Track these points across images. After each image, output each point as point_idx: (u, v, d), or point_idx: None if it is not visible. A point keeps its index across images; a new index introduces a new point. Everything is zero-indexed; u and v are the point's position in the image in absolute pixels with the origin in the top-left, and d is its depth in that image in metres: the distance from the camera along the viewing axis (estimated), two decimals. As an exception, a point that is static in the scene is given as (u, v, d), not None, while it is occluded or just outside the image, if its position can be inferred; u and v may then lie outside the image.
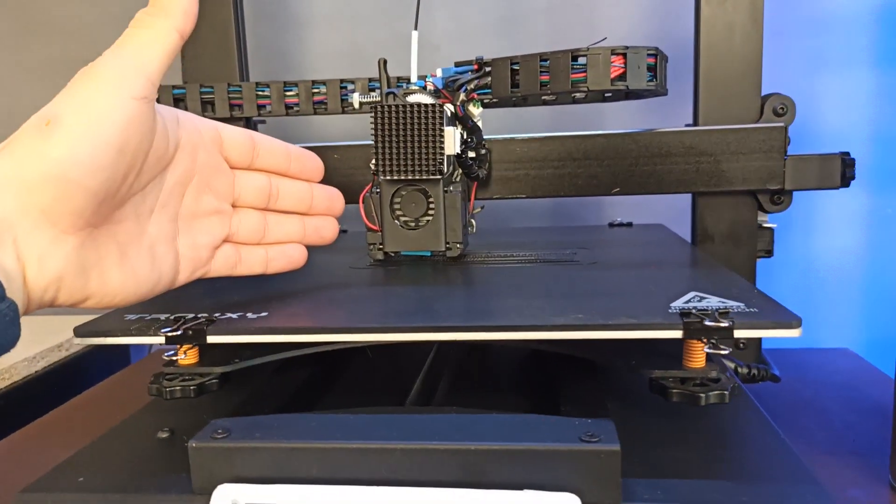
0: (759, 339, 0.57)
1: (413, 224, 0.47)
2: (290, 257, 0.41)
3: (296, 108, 0.59)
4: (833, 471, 0.50)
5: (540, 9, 0.77)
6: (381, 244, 0.48)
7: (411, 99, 0.46)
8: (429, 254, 0.48)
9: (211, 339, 0.35)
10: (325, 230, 0.42)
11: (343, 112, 0.58)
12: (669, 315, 0.33)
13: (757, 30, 0.52)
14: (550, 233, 0.64)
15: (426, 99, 0.46)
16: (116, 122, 0.30)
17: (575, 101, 0.54)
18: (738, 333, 0.32)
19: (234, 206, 0.39)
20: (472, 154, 0.51)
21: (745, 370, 0.52)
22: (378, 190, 0.47)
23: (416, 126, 0.44)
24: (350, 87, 0.58)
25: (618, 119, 0.76)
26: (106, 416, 0.45)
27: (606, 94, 0.53)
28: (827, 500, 0.29)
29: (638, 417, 0.37)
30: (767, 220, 0.56)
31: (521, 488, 0.28)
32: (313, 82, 0.58)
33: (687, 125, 0.56)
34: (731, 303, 0.35)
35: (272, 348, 0.37)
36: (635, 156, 0.53)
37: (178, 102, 0.59)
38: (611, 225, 0.67)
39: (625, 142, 0.53)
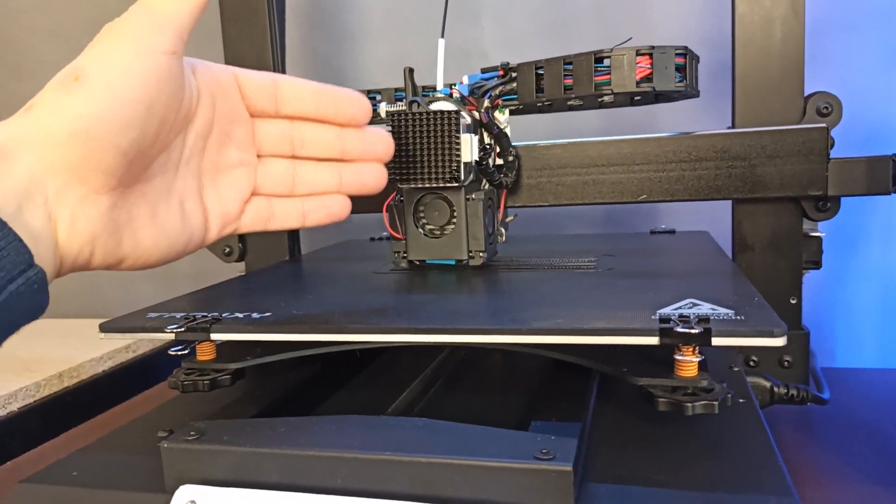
0: (806, 357, 0.52)
1: (438, 232, 0.47)
2: (329, 209, 0.38)
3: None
4: (879, 502, 0.45)
5: (588, 8, 0.75)
6: (405, 252, 0.48)
7: (434, 107, 0.46)
8: (453, 262, 0.48)
9: (215, 336, 0.37)
10: (367, 177, 0.38)
11: (372, 122, 0.59)
12: (650, 321, 0.32)
13: (798, 24, 0.49)
14: (588, 240, 0.62)
15: (449, 106, 0.46)
16: (145, 77, 0.28)
17: (602, 106, 0.52)
18: (716, 341, 0.30)
19: (259, 156, 0.37)
20: (499, 161, 0.51)
21: (783, 390, 0.48)
22: (402, 198, 0.47)
23: (432, 133, 0.44)
24: (378, 97, 0.58)
25: (672, 124, 0.72)
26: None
27: (635, 98, 0.51)
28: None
29: (627, 423, 0.36)
30: (817, 229, 0.52)
31: (469, 504, 0.27)
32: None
33: (728, 128, 0.53)
34: (721, 310, 0.33)
35: (282, 347, 0.38)
36: (663, 161, 0.50)
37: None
38: (652, 232, 0.64)
39: (650, 146, 0.51)
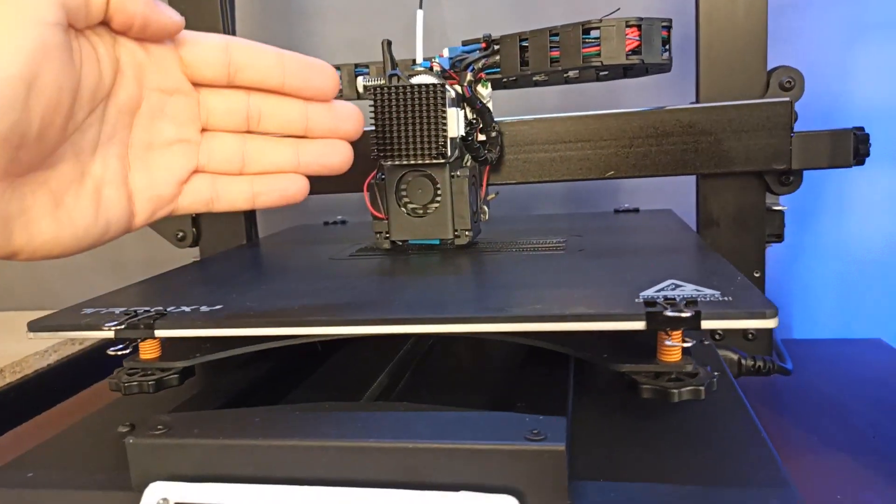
0: (771, 330, 0.53)
1: (421, 211, 0.46)
2: (283, 190, 0.34)
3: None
4: (848, 472, 0.46)
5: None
6: (387, 233, 0.46)
7: (416, 80, 0.44)
8: (437, 242, 0.46)
9: (159, 332, 0.34)
10: (330, 157, 0.35)
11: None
12: (634, 305, 0.31)
13: (761, -2, 0.49)
14: (552, 220, 0.62)
15: (431, 80, 0.44)
16: (21, 51, 0.24)
17: (567, 82, 0.51)
18: (705, 324, 0.29)
19: (204, 130, 0.33)
20: (482, 137, 0.49)
21: (750, 362, 0.49)
22: (383, 176, 0.46)
23: (417, 107, 0.42)
24: (338, 72, 0.56)
25: (631, 101, 0.72)
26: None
27: (602, 73, 0.50)
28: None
29: (608, 413, 0.35)
30: (778, 203, 0.53)
31: (457, 489, 0.26)
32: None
33: (692, 103, 0.53)
34: (706, 291, 0.32)
35: (235, 342, 0.36)
36: (630, 137, 0.50)
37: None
38: (616, 211, 0.64)
39: (618, 122, 0.50)
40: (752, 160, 0.49)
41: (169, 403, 0.39)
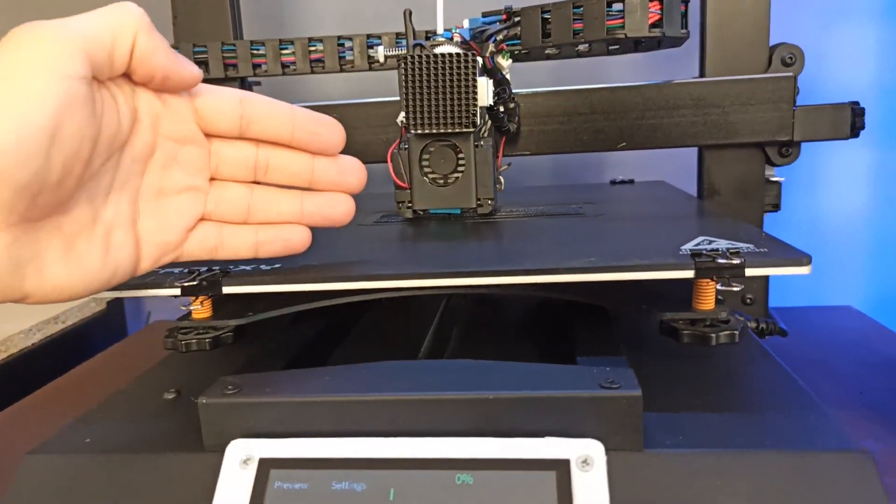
0: (766, 295, 0.56)
1: (442, 181, 0.46)
2: (286, 240, 0.35)
3: (292, 67, 0.57)
4: (846, 424, 0.49)
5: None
6: (409, 202, 0.47)
7: (439, 50, 0.44)
8: (458, 211, 0.47)
9: (227, 289, 0.35)
10: (333, 209, 0.35)
11: (342, 70, 0.57)
12: (680, 256, 0.33)
13: (765, -26, 0.51)
14: (553, 191, 0.63)
15: (455, 50, 0.44)
16: (47, 103, 0.25)
17: (579, 55, 0.53)
18: (749, 272, 0.32)
19: (213, 179, 0.34)
20: (501, 108, 0.50)
21: (753, 324, 0.51)
22: (406, 146, 0.46)
23: (447, 77, 0.43)
24: (348, 43, 0.56)
25: (622, 75, 0.74)
26: (104, 387, 0.44)
27: (612, 46, 0.52)
28: (843, 434, 0.29)
29: (649, 362, 0.37)
30: (774, 174, 0.56)
31: (542, 436, 0.28)
32: (310, 39, 0.56)
33: (694, 78, 0.55)
34: (740, 245, 0.35)
35: (286, 302, 0.37)
36: (641, 109, 0.52)
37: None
38: (612, 182, 0.66)
39: (630, 95, 0.52)
40: (757, 132, 0.51)
41: (195, 371, 0.39)
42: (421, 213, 0.47)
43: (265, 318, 0.37)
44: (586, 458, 0.27)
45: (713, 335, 0.33)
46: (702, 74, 0.54)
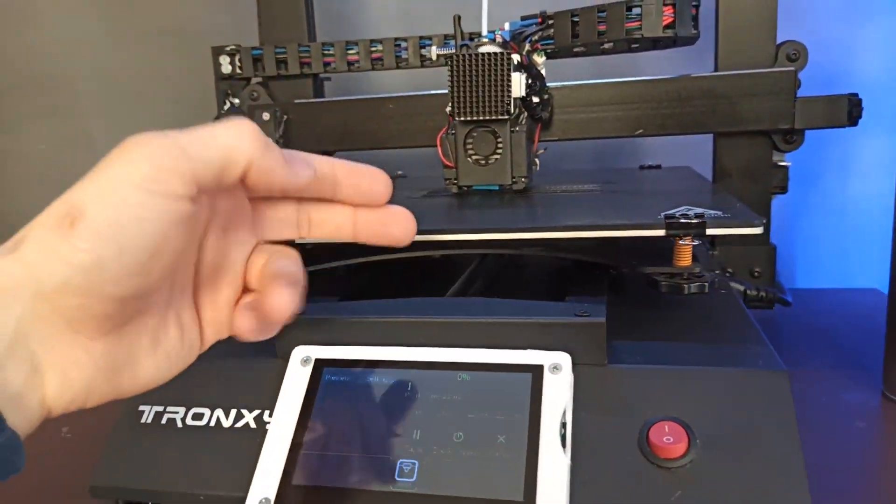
0: (773, 269, 0.62)
1: (483, 161, 0.54)
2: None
3: (357, 65, 0.67)
4: (832, 381, 0.55)
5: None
6: (455, 179, 0.55)
7: (482, 50, 0.53)
8: (497, 188, 0.55)
9: (299, 240, 0.44)
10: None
11: (398, 67, 0.66)
12: (657, 219, 0.40)
13: (772, -19, 0.57)
14: (584, 174, 0.71)
15: (495, 50, 0.53)
16: (153, 224, 0.25)
17: (603, 53, 0.60)
18: (710, 231, 0.39)
19: (258, 243, 0.32)
20: (535, 99, 0.58)
21: (753, 292, 0.58)
22: (453, 132, 0.54)
23: (487, 72, 0.51)
24: (403, 44, 0.65)
25: (656, 68, 0.81)
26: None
27: (633, 45, 0.59)
28: (774, 359, 0.36)
29: (636, 308, 0.45)
30: (784, 160, 0.61)
31: (525, 349, 0.36)
32: (371, 41, 0.66)
33: (710, 72, 0.61)
34: (712, 211, 0.42)
35: (346, 256, 0.45)
36: (657, 100, 0.59)
37: (256, 62, 0.68)
38: (641, 167, 0.73)
39: (647, 88, 0.59)
40: (762, 120, 0.57)
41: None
42: (465, 188, 0.56)
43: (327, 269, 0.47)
44: (556, 365, 0.35)
45: (686, 285, 0.40)
46: (716, 69, 0.60)
